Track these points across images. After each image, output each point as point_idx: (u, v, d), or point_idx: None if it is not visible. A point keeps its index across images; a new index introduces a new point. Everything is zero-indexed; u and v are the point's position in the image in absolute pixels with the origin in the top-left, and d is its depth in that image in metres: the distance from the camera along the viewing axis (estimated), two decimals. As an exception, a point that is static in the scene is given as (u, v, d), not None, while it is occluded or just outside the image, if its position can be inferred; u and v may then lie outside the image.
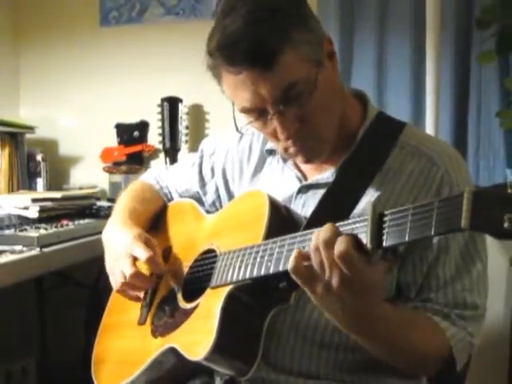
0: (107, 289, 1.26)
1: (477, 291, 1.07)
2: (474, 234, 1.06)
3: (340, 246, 0.84)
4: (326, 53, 1.07)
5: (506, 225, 0.68)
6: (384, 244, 0.82)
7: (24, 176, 2.50)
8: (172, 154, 2.48)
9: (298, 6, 1.05)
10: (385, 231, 0.82)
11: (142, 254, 1.16)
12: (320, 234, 0.87)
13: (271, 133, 1.07)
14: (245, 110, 1.05)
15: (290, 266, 0.89)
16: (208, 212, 1.30)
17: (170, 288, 1.21)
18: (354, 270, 0.84)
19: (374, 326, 0.95)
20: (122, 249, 1.20)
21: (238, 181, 1.30)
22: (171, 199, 1.42)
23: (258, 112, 1.04)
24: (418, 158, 1.10)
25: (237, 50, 0.98)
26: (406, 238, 0.79)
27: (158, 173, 1.47)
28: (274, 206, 1.09)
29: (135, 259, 1.18)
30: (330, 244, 0.85)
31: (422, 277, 1.07)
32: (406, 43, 2.31)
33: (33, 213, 1.94)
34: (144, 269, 1.19)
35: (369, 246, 0.83)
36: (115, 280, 1.20)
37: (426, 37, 2.13)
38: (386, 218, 0.82)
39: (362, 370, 1.10)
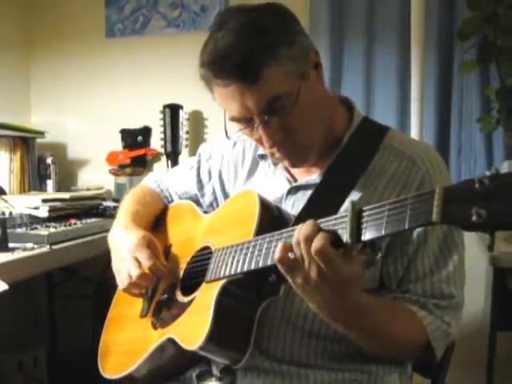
0: (111, 283, 1.29)
1: (453, 282, 1.09)
2: (451, 228, 1.09)
3: (318, 242, 0.86)
4: (312, 63, 1.09)
5: (474, 218, 0.70)
6: (362, 238, 0.84)
7: (35, 178, 2.57)
8: (173, 157, 2.55)
9: (286, 23, 1.07)
10: (363, 226, 0.84)
11: (145, 261, 1.20)
12: (301, 229, 0.89)
13: (258, 139, 1.11)
14: (234, 119, 1.09)
15: (276, 256, 0.91)
16: (205, 213, 1.33)
17: (169, 283, 1.24)
18: (330, 265, 0.87)
19: (354, 315, 0.97)
20: (126, 251, 1.23)
21: (233, 183, 1.33)
22: (171, 201, 1.44)
23: (245, 121, 1.08)
24: (400, 159, 1.12)
25: (225, 65, 1.02)
26: (383, 232, 0.81)
27: (158, 176, 1.50)
28: (264, 204, 1.11)
29: (140, 261, 1.21)
30: (309, 239, 0.87)
31: (403, 269, 1.10)
32: (392, 54, 2.40)
33: (43, 212, 1.96)
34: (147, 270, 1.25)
35: (348, 240, 0.85)
36: (121, 280, 1.23)
37: (410, 48, 2.22)
38: (364, 214, 0.84)
39: (350, 360, 1.12)
